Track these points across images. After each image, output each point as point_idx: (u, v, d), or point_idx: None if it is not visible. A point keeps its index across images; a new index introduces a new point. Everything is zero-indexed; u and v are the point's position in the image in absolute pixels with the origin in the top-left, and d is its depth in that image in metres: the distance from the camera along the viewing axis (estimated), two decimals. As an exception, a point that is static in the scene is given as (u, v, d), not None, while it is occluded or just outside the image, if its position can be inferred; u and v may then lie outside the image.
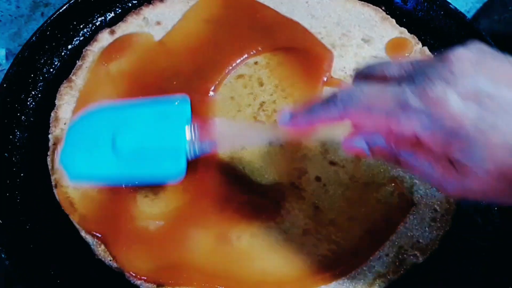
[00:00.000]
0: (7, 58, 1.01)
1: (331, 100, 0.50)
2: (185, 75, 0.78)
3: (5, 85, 0.77)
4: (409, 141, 0.48)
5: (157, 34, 0.83)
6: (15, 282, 0.65)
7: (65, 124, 0.75)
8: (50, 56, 0.83)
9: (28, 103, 0.79)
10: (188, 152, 0.61)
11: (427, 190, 0.71)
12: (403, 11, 0.89)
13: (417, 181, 0.71)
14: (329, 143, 0.73)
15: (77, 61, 0.80)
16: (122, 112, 0.65)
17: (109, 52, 0.80)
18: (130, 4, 0.89)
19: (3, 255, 0.66)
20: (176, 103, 0.64)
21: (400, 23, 0.85)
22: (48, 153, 0.73)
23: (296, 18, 0.84)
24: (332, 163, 0.72)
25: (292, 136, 0.62)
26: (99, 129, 0.64)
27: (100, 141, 0.63)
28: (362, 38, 0.83)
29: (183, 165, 0.61)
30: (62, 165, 0.64)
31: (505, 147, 0.42)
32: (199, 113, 0.75)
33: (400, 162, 0.52)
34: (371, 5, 0.86)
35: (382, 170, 0.72)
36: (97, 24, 0.87)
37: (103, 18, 0.88)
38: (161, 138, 0.62)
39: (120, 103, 0.69)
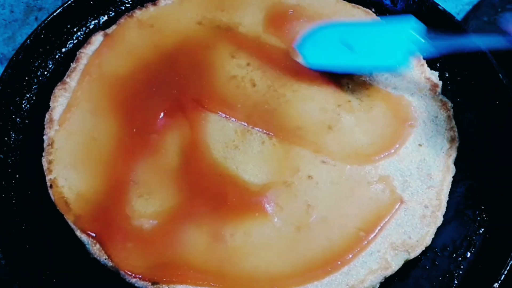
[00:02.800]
0: (1, 62, 1.02)
1: None
2: (178, 76, 0.79)
3: (0, 88, 0.77)
4: None
5: (150, 36, 0.84)
6: (12, 281, 0.65)
7: (59, 126, 0.75)
8: (44, 59, 0.84)
9: (23, 105, 0.80)
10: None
11: (418, 188, 0.72)
12: (393, 12, 0.90)
13: (407, 179, 0.73)
14: (321, 142, 0.74)
15: (71, 63, 0.81)
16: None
17: (102, 54, 0.81)
18: (123, 7, 0.91)
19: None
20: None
21: (390, 24, 0.86)
22: (43, 154, 0.73)
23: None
24: (324, 162, 0.73)
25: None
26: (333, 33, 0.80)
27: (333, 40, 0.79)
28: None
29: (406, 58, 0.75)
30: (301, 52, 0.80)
31: None
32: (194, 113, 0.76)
33: None
34: (361, 7, 0.87)
35: (373, 169, 0.73)
36: (91, 27, 0.88)
37: (96, 21, 0.89)
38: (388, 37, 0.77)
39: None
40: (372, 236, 0.69)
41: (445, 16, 0.87)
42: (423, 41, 0.75)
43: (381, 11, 0.90)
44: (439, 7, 0.87)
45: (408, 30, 0.75)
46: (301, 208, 0.70)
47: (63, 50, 0.86)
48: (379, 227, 0.69)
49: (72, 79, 0.79)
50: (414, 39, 0.74)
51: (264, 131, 0.75)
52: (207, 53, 0.82)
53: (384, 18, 0.85)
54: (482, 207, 0.74)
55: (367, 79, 0.80)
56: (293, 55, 0.80)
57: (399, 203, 0.71)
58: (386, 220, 0.70)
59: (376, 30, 0.79)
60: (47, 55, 0.84)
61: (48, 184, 0.71)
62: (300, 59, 0.79)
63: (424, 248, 0.69)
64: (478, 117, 0.81)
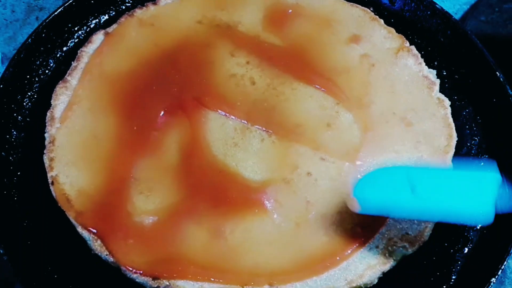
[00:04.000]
0: (2, 62, 1.03)
1: None
2: (178, 74, 0.80)
3: (1, 86, 0.78)
4: None
5: (150, 35, 0.84)
6: (14, 277, 0.66)
7: (60, 123, 0.76)
8: (45, 58, 0.84)
9: (25, 103, 0.81)
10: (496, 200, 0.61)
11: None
12: (391, 12, 0.91)
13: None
14: (320, 139, 0.75)
15: (72, 62, 0.81)
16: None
17: (102, 52, 0.82)
18: (123, 7, 0.91)
19: (1, 251, 0.67)
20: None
21: (388, 23, 0.87)
22: (45, 152, 0.74)
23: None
24: (323, 158, 0.74)
25: None
26: (398, 176, 0.65)
27: (397, 182, 0.64)
28: (350, 38, 0.84)
29: (491, 209, 0.61)
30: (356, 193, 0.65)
31: None
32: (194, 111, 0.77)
33: None
34: (360, 6, 0.88)
35: (371, 166, 0.74)
36: (92, 26, 0.89)
37: (97, 20, 0.90)
38: (466, 186, 0.62)
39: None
40: (371, 232, 0.69)
41: (443, 15, 0.87)
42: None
43: (379, 10, 0.90)
44: (437, 6, 0.88)
45: (490, 181, 0.62)
46: (300, 205, 0.71)
47: (64, 49, 0.86)
48: (377, 223, 0.70)
49: (73, 78, 0.80)
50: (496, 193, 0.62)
51: (264, 129, 0.76)
52: (207, 51, 0.82)
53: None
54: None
55: (365, 77, 0.80)
56: (348, 203, 0.66)
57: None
58: (384, 216, 0.71)
59: (451, 176, 0.66)
60: (48, 54, 0.85)
61: (50, 181, 0.72)
62: (354, 206, 0.65)
63: (421, 244, 0.69)
64: (476, 115, 0.82)
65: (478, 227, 0.73)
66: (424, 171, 0.66)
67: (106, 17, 0.90)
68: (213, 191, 0.71)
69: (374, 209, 0.65)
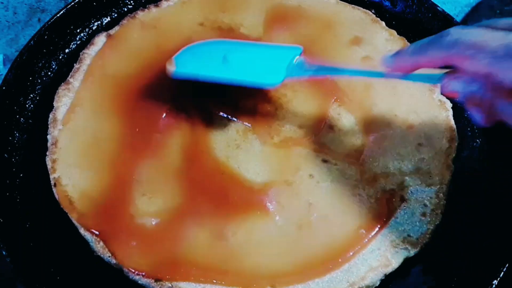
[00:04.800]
0: (4, 63, 1.03)
1: (443, 35, 0.52)
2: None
3: (4, 88, 0.78)
4: (510, 91, 0.49)
5: (152, 37, 0.84)
6: (16, 279, 0.66)
7: (62, 125, 0.76)
8: (48, 60, 0.84)
9: (27, 105, 0.81)
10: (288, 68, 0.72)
11: (417, 186, 0.73)
12: (392, 14, 0.91)
13: (407, 178, 0.73)
14: (322, 141, 0.75)
15: (75, 64, 0.82)
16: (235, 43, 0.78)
17: (105, 54, 0.82)
18: (125, 9, 0.91)
19: (4, 253, 0.67)
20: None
21: (390, 25, 0.87)
22: (47, 153, 0.74)
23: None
24: (325, 160, 0.74)
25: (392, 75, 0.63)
26: (213, 48, 0.77)
27: (212, 54, 0.75)
28: (352, 41, 0.85)
29: (282, 75, 0.71)
30: (175, 62, 0.76)
31: None
32: (196, 113, 0.77)
33: (493, 113, 0.53)
34: (361, 8, 0.88)
35: (373, 167, 0.74)
36: (94, 28, 0.89)
37: (99, 22, 0.90)
38: (267, 56, 0.74)
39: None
40: (373, 234, 0.69)
41: (445, 17, 0.87)
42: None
43: (381, 12, 0.90)
44: (438, 8, 0.88)
45: (288, 54, 0.73)
46: (302, 207, 0.71)
47: (67, 51, 0.86)
48: (379, 225, 0.70)
49: (76, 80, 0.80)
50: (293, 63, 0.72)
51: (266, 131, 0.76)
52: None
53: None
54: (482, 205, 0.74)
55: (368, 80, 0.81)
56: (168, 64, 0.75)
57: (399, 202, 0.72)
58: (386, 218, 0.71)
59: (259, 50, 0.76)
60: (50, 56, 0.85)
61: (52, 182, 0.72)
62: (170, 69, 0.75)
63: (423, 246, 0.69)
64: (477, 117, 0.82)
65: (481, 229, 0.73)
66: (239, 45, 0.77)
67: (108, 19, 0.90)
68: (215, 192, 0.71)
69: (187, 73, 0.74)
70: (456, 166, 0.75)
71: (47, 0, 1.02)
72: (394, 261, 0.68)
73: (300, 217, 0.70)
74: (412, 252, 0.69)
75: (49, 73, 0.84)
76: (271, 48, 0.76)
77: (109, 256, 0.67)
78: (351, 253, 0.68)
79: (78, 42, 0.88)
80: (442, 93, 0.63)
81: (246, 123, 0.77)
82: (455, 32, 0.52)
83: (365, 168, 0.74)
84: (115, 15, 0.91)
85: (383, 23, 0.87)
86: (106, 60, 0.82)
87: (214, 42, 0.78)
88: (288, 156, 0.74)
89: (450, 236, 0.72)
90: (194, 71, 0.74)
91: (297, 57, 0.72)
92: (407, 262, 0.69)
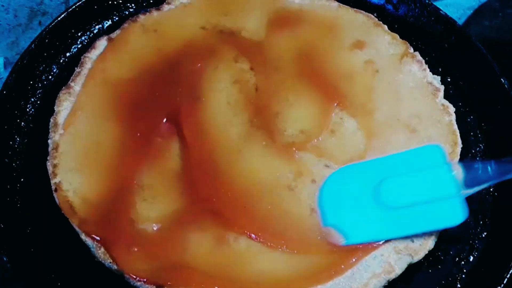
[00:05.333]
0: (5, 67, 1.03)
1: None
2: (181, 80, 0.79)
3: (4, 92, 0.78)
4: None
5: (154, 41, 0.84)
6: (17, 285, 0.66)
7: (63, 130, 0.76)
8: (48, 64, 0.84)
9: (28, 109, 0.81)
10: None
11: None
12: (394, 17, 0.91)
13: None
14: (324, 146, 0.75)
15: (76, 68, 0.81)
16: (375, 165, 0.71)
17: (106, 58, 0.82)
18: (127, 12, 0.91)
19: (4, 258, 0.67)
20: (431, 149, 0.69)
21: (392, 29, 0.87)
22: (48, 158, 0.73)
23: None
24: (327, 166, 0.74)
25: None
26: (357, 184, 0.70)
27: (361, 197, 0.69)
28: (354, 44, 0.84)
29: (461, 209, 0.65)
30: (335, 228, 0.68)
31: None
32: (197, 117, 0.77)
33: None
34: (364, 12, 0.88)
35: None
36: (95, 32, 0.89)
37: (100, 26, 0.90)
38: (427, 184, 0.66)
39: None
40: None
41: (447, 20, 0.87)
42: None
43: (383, 15, 0.90)
44: (441, 12, 0.88)
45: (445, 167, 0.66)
46: (305, 212, 0.70)
47: (68, 54, 0.86)
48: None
49: (77, 84, 0.80)
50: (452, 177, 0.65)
51: (267, 135, 0.75)
52: (210, 57, 0.82)
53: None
54: (485, 211, 0.74)
55: (370, 83, 0.80)
56: (326, 234, 0.69)
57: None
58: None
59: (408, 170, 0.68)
60: (51, 60, 0.84)
61: (53, 187, 0.72)
62: (336, 239, 0.68)
63: (427, 252, 0.69)
64: (480, 121, 0.81)
65: (484, 235, 0.73)
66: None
67: (110, 22, 0.90)
68: (217, 198, 0.71)
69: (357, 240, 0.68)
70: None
71: (48, 3, 1.02)
72: (397, 268, 0.68)
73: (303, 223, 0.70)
74: (415, 258, 0.68)
75: (50, 77, 0.84)
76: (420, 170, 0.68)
77: (110, 262, 0.67)
78: (354, 260, 0.68)
79: (79, 46, 0.87)
80: None
81: (248, 127, 0.76)
82: None
83: (367, 173, 0.73)
84: (116, 18, 0.91)
85: (386, 26, 0.86)
86: (107, 64, 0.81)
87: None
88: (290, 161, 0.74)
89: (454, 242, 0.72)
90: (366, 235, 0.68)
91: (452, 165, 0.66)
92: (410, 268, 0.69)
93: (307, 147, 0.75)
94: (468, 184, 0.64)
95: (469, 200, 0.74)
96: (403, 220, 0.66)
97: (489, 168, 0.63)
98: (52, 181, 0.72)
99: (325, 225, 0.69)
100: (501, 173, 0.62)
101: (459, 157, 0.76)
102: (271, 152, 0.74)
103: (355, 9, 0.88)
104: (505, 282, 0.66)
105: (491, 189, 0.76)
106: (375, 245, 0.68)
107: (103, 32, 0.88)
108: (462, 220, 0.64)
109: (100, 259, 0.67)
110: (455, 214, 0.65)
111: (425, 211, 0.65)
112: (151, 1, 0.92)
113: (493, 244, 0.72)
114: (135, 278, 0.66)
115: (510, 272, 0.67)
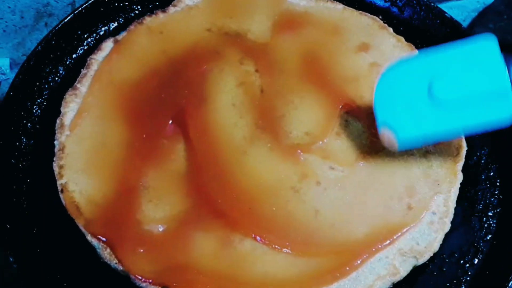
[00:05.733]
0: (11, 67, 1.03)
1: None
2: (187, 82, 0.80)
3: (11, 93, 0.79)
4: None
5: (159, 43, 0.84)
6: (23, 285, 0.66)
7: (70, 131, 0.76)
8: (55, 65, 0.85)
9: (34, 110, 0.81)
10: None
11: (425, 194, 0.73)
12: (400, 20, 0.91)
13: (415, 185, 0.73)
14: (329, 148, 0.75)
15: (82, 69, 0.82)
16: (428, 59, 0.68)
17: (112, 60, 0.82)
18: (133, 14, 0.92)
19: (11, 259, 0.67)
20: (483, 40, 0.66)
21: (397, 31, 0.87)
22: (54, 159, 0.74)
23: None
24: (332, 168, 0.74)
25: None
26: (410, 80, 0.67)
27: (414, 93, 0.66)
28: (359, 47, 0.84)
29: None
30: (388, 127, 0.68)
31: None
32: (202, 119, 0.77)
33: None
34: (369, 14, 0.88)
35: (380, 176, 0.74)
36: (101, 33, 0.89)
37: (106, 27, 0.90)
38: (479, 79, 0.63)
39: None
40: (380, 242, 0.69)
41: (452, 23, 0.87)
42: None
43: (388, 18, 0.90)
44: (446, 14, 0.88)
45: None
46: (309, 214, 0.71)
47: (74, 56, 0.87)
48: (387, 234, 0.70)
49: (83, 85, 0.80)
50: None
51: (272, 137, 0.76)
52: (216, 59, 0.82)
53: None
54: (490, 213, 0.74)
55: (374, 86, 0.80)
56: (380, 137, 0.69)
57: (407, 209, 0.71)
58: (394, 226, 0.70)
59: (459, 63, 0.66)
60: (58, 61, 0.85)
61: (59, 188, 0.72)
62: (389, 140, 0.68)
63: (432, 254, 0.69)
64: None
65: (488, 238, 0.73)
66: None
67: (116, 24, 0.91)
68: (222, 199, 0.71)
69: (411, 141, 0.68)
70: (464, 174, 0.75)
71: (54, 5, 1.02)
72: (402, 270, 0.68)
73: (308, 225, 0.70)
74: (420, 261, 0.68)
75: (56, 78, 0.84)
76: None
77: (116, 263, 0.67)
78: (358, 261, 0.68)
79: (85, 48, 0.88)
80: None
81: (253, 129, 0.76)
82: None
83: (372, 176, 0.73)
84: (122, 20, 0.91)
85: (391, 29, 0.87)
86: (113, 66, 0.82)
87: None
88: (295, 163, 0.74)
89: (458, 245, 0.72)
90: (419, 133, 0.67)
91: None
92: (414, 270, 0.69)
93: (312, 149, 0.75)
94: None
95: (474, 202, 0.74)
96: (455, 115, 0.64)
97: None
98: (58, 182, 0.72)
99: (380, 126, 0.68)
100: None
101: (464, 159, 0.76)
102: (276, 154, 0.75)
103: (360, 11, 0.89)
104: (510, 284, 0.66)
105: (497, 191, 0.76)
106: (380, 246, 0.68)
107: (109, 34, 0.89)
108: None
109: (106, 260, 0.67)
110: (506, 112, 0.63)
111: (476, 106, 0.63)
112: (157, 3, 0.92)
113: (498, 246, 0.72)
114: (141, 279, 0.66)
115: (515, 274, 0.67)
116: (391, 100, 0.68)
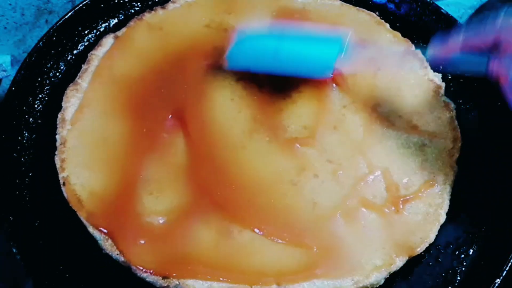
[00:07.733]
0: (12, 64, 1.04)
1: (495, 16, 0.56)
2: (186, 78, 0.81)
3: (13, 89, 0.79)
4: None
5: (159, 39, 0.85)
6: (26, 276, 0.67)
7: (71, 125, 0.77)
8: (56, 61, 0.86)
9: (36, 105, 0.82)
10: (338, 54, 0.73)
11: (421, 186, 0.74)
12: (396, 16, 0.92)
13: (411, 178, 0.74)
14: (327, 141, 0.76)
15: (83, 65, 0.82)
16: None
17: (112, 56, 0.83)
18: (132, 11, 0.93)
19: (14, 250, 0.68)
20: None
21: (394, 27, 0.88)
22: (56, 153, 0.75)
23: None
24: (330, 161, 0.75)
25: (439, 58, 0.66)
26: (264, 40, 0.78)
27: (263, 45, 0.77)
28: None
29: (332, 61, 0.74)
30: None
31: None
32: (202, 114, 0.78)
33: None
34: (366, 10, 0.89)
35: (378, 169, 0.75)
36: (101, 30, 0.90)
37: (106, 24, 0.91)
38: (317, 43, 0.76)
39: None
40: (377, 233, 0.70)
41: (448, 20, 0.88)
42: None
43: (385, 14, 0.91)
44: (442, 10, 0.89)
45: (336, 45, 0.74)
46: (308, 207, 0.72)
47: (75, 52, 0.88)
48: (383, 225, 0.71)
49: (84, 80, 0.81)
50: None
51: (271, 131, 0.77)
52: (215, 55, 0.83)
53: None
54: (485, 205, 0.75)
55: (371, 80, 0.81)
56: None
57: (402, 201, 0.72)
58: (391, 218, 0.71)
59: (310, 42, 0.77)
60: (59, 57, 0.86)
61: (61, 182, 0.73)
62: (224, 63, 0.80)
63: (427, 245, 0.70)
64: (481, 118, 0.83)
65: (484, 229, 0.74)
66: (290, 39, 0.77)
67: (116, 21, 0.91)
68: (221, 192, 0.72)
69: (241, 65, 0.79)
70: (459, 167, 0.76)
71: (54, 2, 1.03)
72: (398, 260, 0.69)
73: (305, 217, 0.71)
74: (416, 251, 0.69)
75: (58, 74, 0.85)
76: (320, 39, 0.77)
77: (117, 254, 0.68)
78: (356, 252, 0.69)
79: (86, 44, 0.89)
80: (489, 75, 0.61)
81: (252, 124, 0.77)
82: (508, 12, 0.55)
83: (369, 168, 0.75)
84: (122, 17, 0.92)
85: (388, 25, 0.87)
86: (113, 61, 0.83)
87: (266, 35, 0.79)
88: (293, 156, 0.75)
89: (454, 236, 0.73)
90: (249, 64, 0.79)
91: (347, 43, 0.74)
92: (410, 261, 0.70)
93: (310, 143, 0.76)
94: None
95: (470, 193, 0.75)
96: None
97: None
98: (60, 175, 0.73)
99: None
100: None
101: (459, 153, 0.77)
102: (274, 148, 0.76)
103: (357, 7, 0.89)
104: (504, 274, 0.67)
105: (492, 183, 0.77)
106: (376, 238, 0.70)
107: (109, 30, 0.90)
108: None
109: (108, 251, 0.68)
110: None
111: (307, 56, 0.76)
112: (156, 0, 0.93)
113: (493, 237, 0.73)
114: (142, 270, 0.67)
115: (510, 265, 0.68)
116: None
